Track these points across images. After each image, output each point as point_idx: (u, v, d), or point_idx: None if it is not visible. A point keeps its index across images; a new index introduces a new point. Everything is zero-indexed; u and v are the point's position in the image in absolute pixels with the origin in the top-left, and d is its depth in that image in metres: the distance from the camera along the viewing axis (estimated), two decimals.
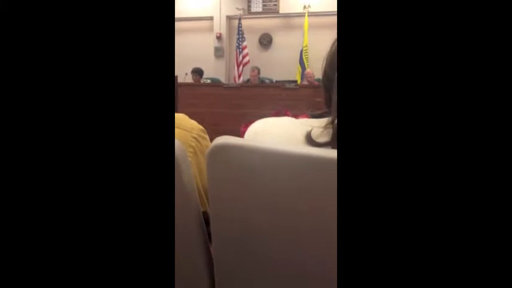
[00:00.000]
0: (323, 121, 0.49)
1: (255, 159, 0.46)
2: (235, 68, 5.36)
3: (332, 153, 0.42)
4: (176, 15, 5.51)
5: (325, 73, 0.54)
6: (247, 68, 5.12)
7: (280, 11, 5.40)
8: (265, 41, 5.64)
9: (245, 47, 5.35)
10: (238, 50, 5.34)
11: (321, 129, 0.48)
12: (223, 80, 5.29)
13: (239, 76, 5.31)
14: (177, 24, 5.58)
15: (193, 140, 0.80)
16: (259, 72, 4.58)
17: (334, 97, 0.49)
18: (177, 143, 0.52)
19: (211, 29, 5.72)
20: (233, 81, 5.16)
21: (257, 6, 5.49)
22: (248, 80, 4.72)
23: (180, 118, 0.82)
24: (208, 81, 4.46)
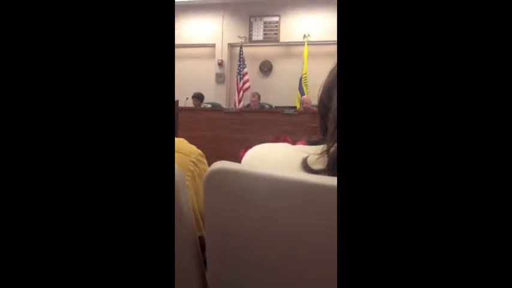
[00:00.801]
0: (319, 148, 0.50)
1: (251, 185, 0.47)
2: (236, 93, 5.46)
3: (326, 180, 0.43)
4: (180, 42, 5.68)
5: (321, 101, 0.55)
6: (248, 93, 5.21)
7: (281, 40, 5.57)
8: (266, 68, 5.77)
9: (246, 73, 5.47)
10: (239, 76, 5.46)
11: (317, 156, 0.49)
12: (223, 105, 5.37)
13: (239, 101, 5.38)
14: (180, 51, 5.74)
15: (192, 164, 0.81)
16: (259, 98, 4.65)
17: (330, 125, 0.50)
18: (176, 168, 0.53)
19: (213, 55, 5.88)
20: (233, 106, 5.23)
21: (258, 35, 5.67)
22: (248, 105, 4.78)
23: (179, 142, 0.83)
24: (209, 105, 4.52)
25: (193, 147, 0.84)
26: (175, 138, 0.84)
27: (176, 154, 0.79)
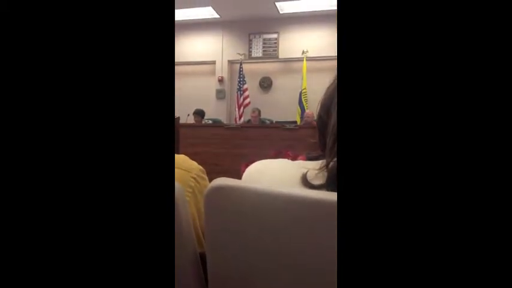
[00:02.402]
0: (318, 163, 0.50)
1: (252, 201, 0.47)
2: (236, 109, 5.49)
3: (326, 195, 0.43)
4: (181, 60, 5.77)
5: (320, 117, 0.56)
6: (248, 109, 5.25)
7: (280, 56, 5.65)
8: (266, 84, 5.83)
9: (246, 89, 5.52)
10: (239, 92, 5.51)
11: (316, 172, 0.49)
12: (224, 120, 5.40)
13: (240, 117, 5.42)
14: (181, 68, 5.82)
15: (193, 180, 0.81)
16: (259, 114, 4.68)
17: (329, 140, 0.51)
18: (176, 184, 0.53)
19: (213, 72, 5.95)
20: (234, 122, 5.25)
21: (257, 52, 5.75)
22: (249, 121, 4.80)
23: (180, 158, 0.83)
24: (210, 122, 4.55)
25: (194, 163, 0.84)
26: (177, 155, 0.84)
27: (177, 170, 0.79)
